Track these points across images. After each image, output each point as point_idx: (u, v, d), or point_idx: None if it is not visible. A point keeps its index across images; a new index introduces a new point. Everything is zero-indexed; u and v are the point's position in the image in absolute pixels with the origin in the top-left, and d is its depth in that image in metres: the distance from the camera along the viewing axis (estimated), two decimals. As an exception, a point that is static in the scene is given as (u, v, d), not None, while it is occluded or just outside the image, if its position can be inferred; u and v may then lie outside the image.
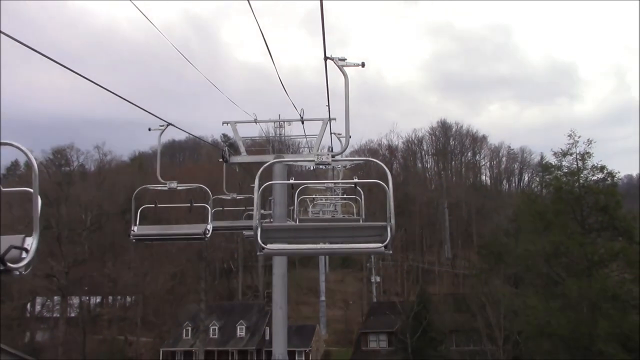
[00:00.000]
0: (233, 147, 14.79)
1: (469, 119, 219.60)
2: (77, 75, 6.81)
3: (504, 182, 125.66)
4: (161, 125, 11.26)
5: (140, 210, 12.27)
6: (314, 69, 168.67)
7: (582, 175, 48.26)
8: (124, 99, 8.39)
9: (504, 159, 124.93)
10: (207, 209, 11.19)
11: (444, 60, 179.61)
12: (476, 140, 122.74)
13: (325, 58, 6.95)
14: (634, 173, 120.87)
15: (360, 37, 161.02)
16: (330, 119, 13.06)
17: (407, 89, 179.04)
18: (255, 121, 14.36)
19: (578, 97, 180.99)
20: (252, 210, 17.84)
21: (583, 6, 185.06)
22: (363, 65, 6.91)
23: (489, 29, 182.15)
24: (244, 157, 13.51)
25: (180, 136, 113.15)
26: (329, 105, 11.95)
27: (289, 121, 15.70)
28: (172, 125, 11.35)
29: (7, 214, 73.49)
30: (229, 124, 13.80)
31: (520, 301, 49.18)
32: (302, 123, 14.60)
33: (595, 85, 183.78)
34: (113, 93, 7.97)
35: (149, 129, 11.38)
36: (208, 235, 10.65)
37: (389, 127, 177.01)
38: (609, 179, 48.94)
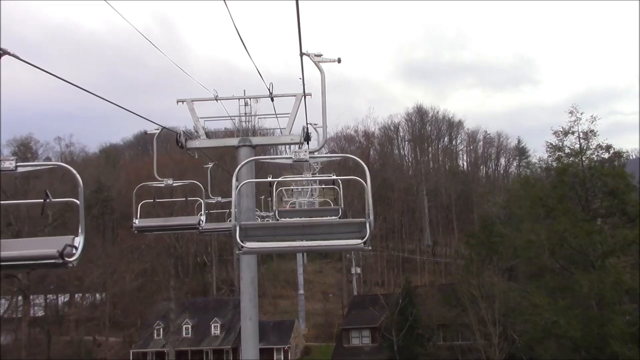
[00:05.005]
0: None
1: (444, 105, 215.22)
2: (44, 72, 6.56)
3: (482, 167, 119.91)
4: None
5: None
6: (284, 60, 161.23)
7: (585, 155, 41.62)
8: (109, 101, 8.25)
9: (480, 143, 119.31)
10: (78, 206, 6.05)
11: (408, 49, 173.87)
12: (452, 126, 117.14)
13: (301, 54, 7.03)
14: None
15: (323, 25, 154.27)
16: (305, 94, 11.67)
17: (372, 77, 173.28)
18: (216, 98, 12.63)
19: (542, 83, 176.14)
20: (195, 199, 16.14)
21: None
22: (339, 61, 7.10)
23: (451, 17, 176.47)
24: (203, 142, 12.23)
25: (151, 127, 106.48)
26: (303, 78, 10.51)
27: (257, 97, 13.51)
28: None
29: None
30: (184, 102, 12.29)
31: (518, 296, 42.54)
32: (272, 100, 12.90)
33: (557, 71, 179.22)
34: (96, 95, 7.91)
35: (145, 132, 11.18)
36: (73, 259, 5.74)
37: (363, 113, 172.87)
38: (616, 159, 42.37)
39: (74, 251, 5.79)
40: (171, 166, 68.85)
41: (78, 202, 6.06)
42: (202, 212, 14.34)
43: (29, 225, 73.72)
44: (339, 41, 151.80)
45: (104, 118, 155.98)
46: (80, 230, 5.96)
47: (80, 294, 79.36)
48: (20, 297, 71.64)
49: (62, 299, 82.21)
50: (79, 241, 5.88)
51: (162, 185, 13.05)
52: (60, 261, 5.62)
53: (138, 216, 13.25)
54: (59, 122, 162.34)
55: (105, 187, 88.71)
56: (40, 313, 77.11)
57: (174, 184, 13.32)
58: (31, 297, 73.81)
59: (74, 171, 6.16)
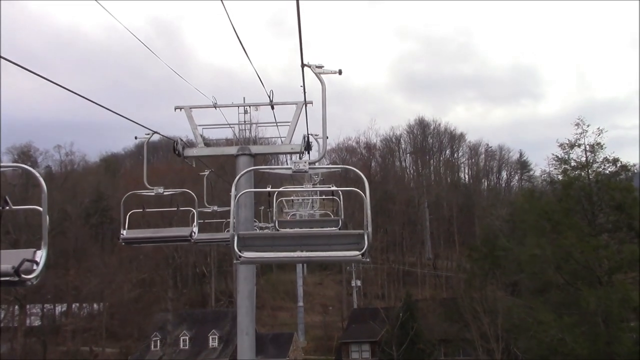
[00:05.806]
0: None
1: (445, 118, 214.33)
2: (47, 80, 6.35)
3: (483, 180, 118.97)
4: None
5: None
6: (281, 71, 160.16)
7: (592, 169, 40.68)
8: (111, 110, 8.40)
9: (482, 156, 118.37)
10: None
11: (408, 61, 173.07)
12: (454, 138, 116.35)
13: (303, 65, 7.01)
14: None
15: (322, 37, 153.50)
16: (305, 102, 11.51)
17: (373, 89, 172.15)
18: (215, 106, 12.48)
19: (542, 97, 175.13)
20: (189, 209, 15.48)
21: (543, 7, 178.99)
22: (340, 72, 6.99)
23: (451, 30, 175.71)
24: (200, 150, 12.13)
25: (153, 137, 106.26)
26: (304, 86, 10.05)
27: (256, 105, 13.15)
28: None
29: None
30: (182, 110, 12.13)
31: (522, 312, 41.39)
32: (272, 108, 12.70)
33: (557, 84, 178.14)
34: (102, 106, 7.94)
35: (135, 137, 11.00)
36: (32, 277, 4.85)
37: (365, 125, 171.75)
38: (622, 172, 41.41)
39: (34, 267, 4.89)
40: (171, 175, 68.07)
41: (41, 209, 5.19)
42: (195, 222, 13.51)
43: (27, 234, 72.91)
44: (340, 52, 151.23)
45: (106, 126, 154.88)
46: (43, 243, 5.07)
47: (78, 304, 78.26)
48: (16, 307, 70.77)
49: (59, 308, 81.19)
50: (40, 255, 4.98)
51: (152, 193, 12.30)
52: (16, 279, 4.70)
53: (126, 227, 12.59)
54: (59, 130, 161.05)
55: (105, 196, 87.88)
56: (37, 323, 76.13)
57: (165, 193, 12.62)
58: (28, 306, 72.96)
59: (37, 174, 5.42)
